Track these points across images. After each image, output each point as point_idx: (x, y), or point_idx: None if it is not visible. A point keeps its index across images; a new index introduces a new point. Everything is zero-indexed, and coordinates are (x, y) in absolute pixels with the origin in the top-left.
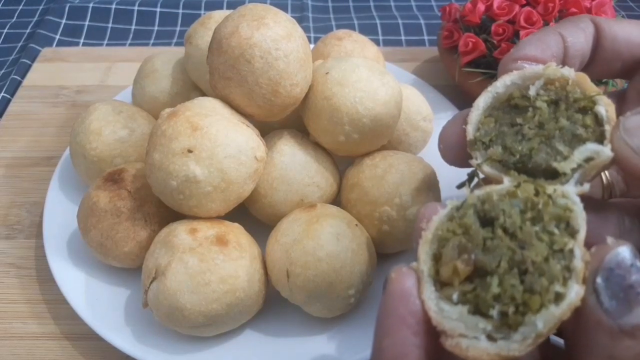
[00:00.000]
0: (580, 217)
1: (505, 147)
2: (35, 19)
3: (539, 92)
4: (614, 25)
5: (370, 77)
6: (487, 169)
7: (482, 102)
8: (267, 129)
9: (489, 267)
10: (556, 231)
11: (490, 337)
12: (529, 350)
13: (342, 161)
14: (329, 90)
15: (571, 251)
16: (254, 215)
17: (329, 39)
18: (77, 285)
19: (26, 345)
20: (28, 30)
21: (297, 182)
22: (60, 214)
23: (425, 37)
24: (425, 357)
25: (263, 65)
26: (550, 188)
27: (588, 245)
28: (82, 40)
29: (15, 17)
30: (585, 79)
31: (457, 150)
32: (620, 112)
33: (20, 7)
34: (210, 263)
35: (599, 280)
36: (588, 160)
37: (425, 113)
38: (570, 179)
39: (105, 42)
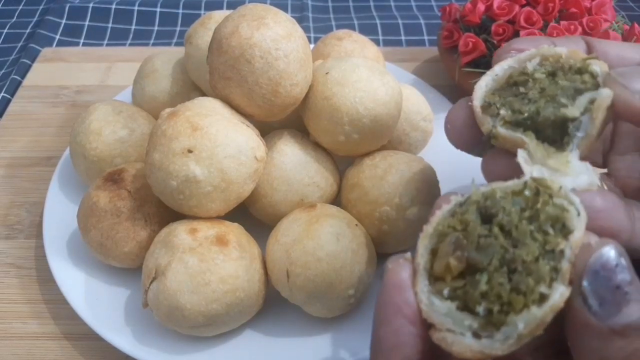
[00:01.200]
0: (575, 218)
1: (514, 110)
2: (35, 19)
3: (535, 67)
4: (606, 45)
5: (370, 77)
6: (502, 130)
7: (484, 82)
8: (267, 129)
9: (480, 265)
10: (551, 231)
11: (475, 335)
12: (511, 351)
13: (342, 161)
14: (329, 90)
15: (562, 252)
16: (254, 215)
17: (329, 39)
18: (77, 285)
19: (26, 345)
20: (28, 30)
21: (297, 182)
22: (60, 214)
23: (425, 37)
24: (421, 345)
25: (263, 65)
26: (556, 185)
27: (602, 234)
28: (82, 40)
29: (15, 17)
30: (577, 52)
31: (464, 129)
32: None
33: (20, 7)
34: (210, 263)
35: (585, 283)
36: (592, 101)
37: (425, 113)
38: (580, 126)
39: (105, 42)
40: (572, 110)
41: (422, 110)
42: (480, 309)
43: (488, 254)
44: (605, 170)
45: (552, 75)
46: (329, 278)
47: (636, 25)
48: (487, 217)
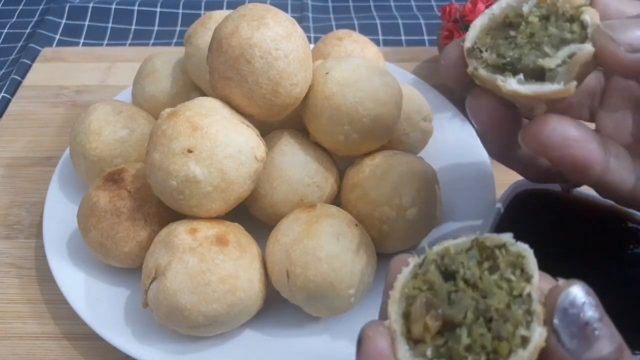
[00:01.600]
0: (532, 263)
1: (498, 54)
2: (35, 19)
3: (531, 9)
4: None
5: (370, 77)
6: (482, 72)
7: (479, 22)
8: (267, 129)
9: (456, 319)
10: (513, 277)
11: None
12: None
13: (342, 161)
14: (329, 90)
15: (529, 295)
16: (254, 215)
17: (329, 39)
18: (77, 285)
19: (26, 345)
20: (28, 30)
21: (297, 182)
22: (60, 214)
23: (425, 37)
24: None
25: (263, 65)
26: (501, 240)
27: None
28: (82, 40)
29: (15, 17)
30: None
31: (455, 67)
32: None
33: (20, 7)
34: (211, 263)
35: (556, 321)
36: (571, 56)
37: (425, 113)
38: (556, 76)
39: (105, 42)
40: (549, 62)
41: (422, 110)
42: None
43: (461, 308)
44: (592, 126)
45: (545, 19)
46: (329, 278)
47: None
48: (448, 274)
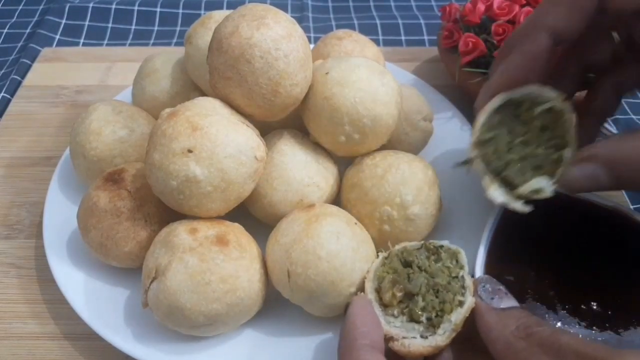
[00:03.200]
0: (464, 257)
1: (494, 151)
2: (35, 19)
3: (540, 114)
4: None
5: (370, 77)
6: (477, 164)
7: (499, 99)
8: (267, 129)
9: (414, 291)
10: (451, 265)
11: (422, 336)
12: (448, 342)
13: (342, 161)
14: (328, 90)
15: (462, 277)
16: (254, 215)
17: (329, 39)
18: (77, 285)
19: (26, 346)
20: (28, 30)
21: (297, 182)
22: (60, 214)
23: (425, 37)
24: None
25: (263, 65)
26: (444, 242)
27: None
28: (82, 40)
29: (15, 17)
30: (573, 121)
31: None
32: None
33: (20, 7)
34: (211, 263)
35: (480, 290)
36: (537, 191)
37: (425, 113)
38: (519, 198)
39: (105, 42)
40: (522, 189)
41: (422, 110)
42: (423, 318)
43: (417, 283)
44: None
45: (544, 129)
46: (330, 277)
47: None
48: (406, 263)
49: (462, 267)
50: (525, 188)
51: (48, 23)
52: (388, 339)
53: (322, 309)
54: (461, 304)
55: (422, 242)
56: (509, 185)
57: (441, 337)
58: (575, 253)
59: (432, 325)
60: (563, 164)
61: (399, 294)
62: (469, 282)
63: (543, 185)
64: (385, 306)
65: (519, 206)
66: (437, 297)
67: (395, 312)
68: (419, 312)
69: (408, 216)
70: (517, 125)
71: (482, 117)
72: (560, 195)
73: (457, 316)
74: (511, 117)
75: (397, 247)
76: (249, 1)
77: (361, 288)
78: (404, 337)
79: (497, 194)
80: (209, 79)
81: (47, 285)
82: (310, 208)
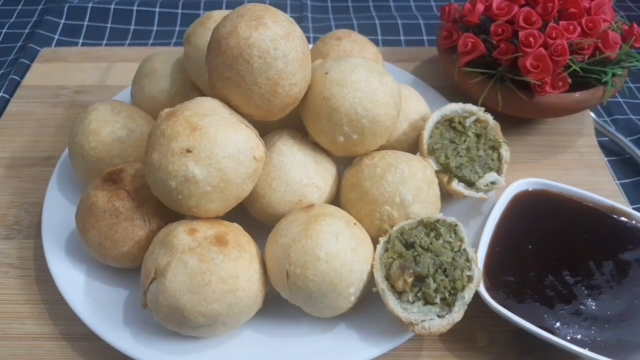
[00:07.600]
0: (462, 229)
1: (446, 156)
2: (34, 19)
3: (471, 125)
4: None
5: (369, 78)
6: (435, 167)
7: (435, 117)
8: (266, 129)
9: (423, 273)
10: (451, 239)
11: (439, 316)
12: (463, 314)
13: (341, 161)
14: (327, 90)
15: (465, 250)
16: (253, 216)
17: (328, 39)
18: (76, 285)
19: (25, 346)
20: (27, 30)
21: (296, 182)
22: (59, 214)
23: (425, 37)
24: None
25: (261, 65)
26: (439, 215)
27: None
28: (81, 40)
29: (14, 17)
30: (497, 127)
31: None
32: None
33: (20, 7)
34: (210, 263)
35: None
36: (493, 183)
37: (424, 113)
38: (479, 190)
39: (105, 42)
40: (478, 184)
41: (421, 110)
42: (437, 299)
43: (425, 265)
44: None
45: (478, 135)
46: (329, 277)
47: (635, 25)
48: (408, 245)
49: (461, 240)
50: (482, 182)
51: (47, 23)
52: (408, 324)
53: (321, 310)
54: (470, 278)
55: (418, 219)
56: (466, 182)
57: (457, 314)
58: (575, 253)
59: (447, 304)
60: (504, 161)
61: (409, 280)
62: (472, 254)
63: (496, 178)
64: (398, 294)
65: (480, 195)
66: (446, 275)
67: (411, 298)
68: (433, 295)
69: (408, 215)
70: (456, 136)
71: (425, 132)
72: (561, 195)
73: (470, 292)
74: (448, 129)
75: (395, 228)
76: (248, 1)
77: (361, 288)
78: (422, 321)
79: (460, 188)
80: (207, 78)
81: (46, 285)
82: (309, 208)
